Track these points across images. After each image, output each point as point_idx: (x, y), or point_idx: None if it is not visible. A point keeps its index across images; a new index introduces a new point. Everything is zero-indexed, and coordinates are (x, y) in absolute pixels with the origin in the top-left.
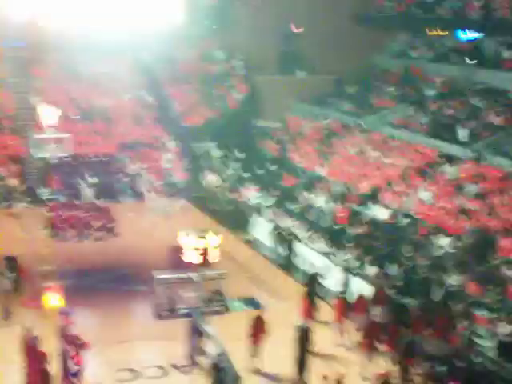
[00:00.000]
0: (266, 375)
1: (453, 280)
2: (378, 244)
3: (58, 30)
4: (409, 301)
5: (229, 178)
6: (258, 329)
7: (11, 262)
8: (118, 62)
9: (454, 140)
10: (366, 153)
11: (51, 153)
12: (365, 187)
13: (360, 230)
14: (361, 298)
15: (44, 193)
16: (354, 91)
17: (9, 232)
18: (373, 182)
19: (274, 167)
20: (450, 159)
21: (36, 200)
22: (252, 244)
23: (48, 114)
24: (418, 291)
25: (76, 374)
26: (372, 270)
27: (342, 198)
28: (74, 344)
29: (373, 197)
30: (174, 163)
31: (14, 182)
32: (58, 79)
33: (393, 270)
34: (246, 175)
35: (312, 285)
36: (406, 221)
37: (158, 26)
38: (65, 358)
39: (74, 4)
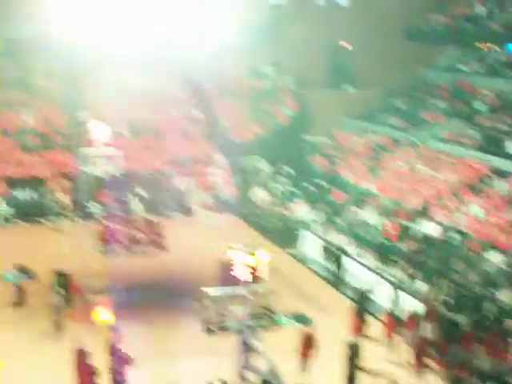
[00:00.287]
0: None
1: (505, 297)
2: (429, 260)
3: (110, 47)
4: (460, 318)
5: (278, 193)
6: (307, 345)
7: (62, 278)
8: (168, 77)
9: (506, 154)
10: (416, 168)
11: (101, 168)
12: (415, 202)
13: (410, 246)
14: (411, 314)
15: (94, 208)
16: (403, 106)
17: (59, 247)
18: (423, 197)
19: (323, 182)
20: (502, 174)
21: (86, 215)
22: (301, 259)
23: (99, 131)
24: (470, 308)
25: None
26: (423, 286)
27: (391, 213)
28: (122, 359)
29: (423, 212)
30: (223, 178)
31: (64, 197)
32: (108, 96)
33: (444, 286)
34: (295, 190)
35: (361, 301)
36: (457, 236)
37: (208, 42)
38: (114, 372)
39: (125, 21)
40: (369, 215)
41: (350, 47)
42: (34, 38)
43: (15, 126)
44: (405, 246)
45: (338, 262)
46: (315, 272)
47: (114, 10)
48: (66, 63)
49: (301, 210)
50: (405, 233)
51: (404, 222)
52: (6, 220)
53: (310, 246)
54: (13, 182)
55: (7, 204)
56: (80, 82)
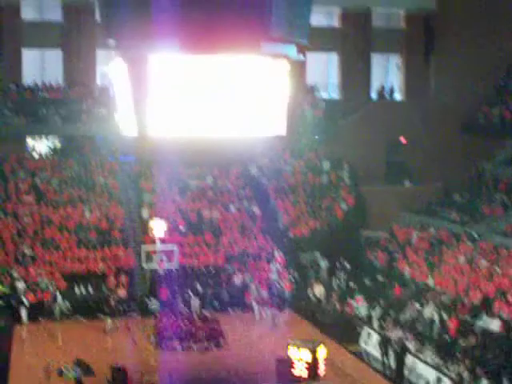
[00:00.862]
0: None
1: None
2: (492, 356)
3: (167, 143)
4: None
5: (336, 288)
6: None
7: (119, 373)
8: (224, 173)
9: None
10: (476, 262)
11: (159, 264)
12: (476, 297)
13: (472, 342)
14: None
15: (152, 303)
16: (462, 200)
17: (117, 342)
18: (484, 292)
19: (381, 277)
20: None
21: (144, 310)
22: (361, 356)
23: (156, 226)
24: None
25: None
26: (484, 383)
27: (452, 308)
28: None
29: (484, 307)
30: (281, 274)
31: (123, 292)
32: (166, 192)
33: (508, 382)
34: (353, 285)
35: None
36: None
37: (264, 138)
38: None
39: (182, 119)
40: (428, 310)
41: (406, 142)
42: (94, 136)
43: (75, 222)
44: (465, 342)
45: (398, 358)
46: (376, 369)
47: (172, 108)
48: (127, 161)
49: (360, 306)
50: (465, 328)
51: (464, 317)
52: (65, 315)
53: (370, 341)
54: (71, 278)
55: (66, 299)
56: (139, 179)
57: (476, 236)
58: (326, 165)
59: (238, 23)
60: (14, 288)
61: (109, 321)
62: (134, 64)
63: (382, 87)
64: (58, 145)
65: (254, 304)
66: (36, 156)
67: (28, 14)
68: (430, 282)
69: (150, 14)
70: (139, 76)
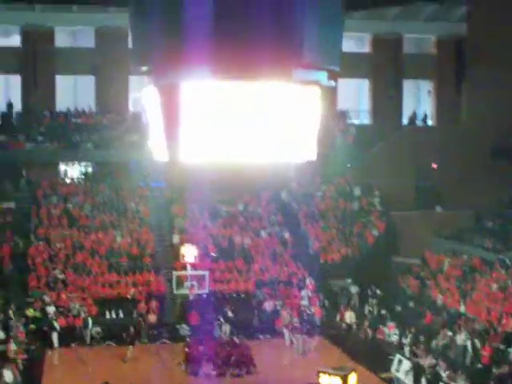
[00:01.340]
0: None
1: None
2: None
3: (198, 169)
4: None
5: (367, 314)
6: None
7: None
8: (255, 199)
9: None
10: (509, 289)
11: (190, 289)
12: (509, 325)
13: (505, 370)
14: None
15: (182, 329)
16: (494, 226)
17: (148, 368)
18: None
19: (413, 304)
20: None
21: (175, 336)
22: (392, 383)
23: (187, 252)
24: None
25: None
26: None
27: (484, 335)
28: None
29: None
30: (312, 300)
31: (153, 318)
32: (197, 217)
33: None
34: (384, 312)
35: None
36: None
37: (295, 164)
38: None
39: (213, 145)
40: (461, 338)
41: (436, 167)
42: (126, 162)
43: (106, 248)
44: (498, 370)
45: None
46: None
47: (204, 133)
48: (158, 186)
49: (391, 333)
50: (498, 356)
51: (497, 345)
52: (96, 340)
53: (401, 368)
54: (102, 303)
55: (96, 324)
56: (170, 204)
57: (509, 263)
58: (357, 190)
59: (270, 50)
60: (45, 313)
61: (130, 349)
62: (166, 90)
63: (414, 113)
64: (90, 170)
65: (284, 330)
66: (68, 181)
67: (61, 40)
68: (462, 309)
69: (182, 41)
70: (171, 102)
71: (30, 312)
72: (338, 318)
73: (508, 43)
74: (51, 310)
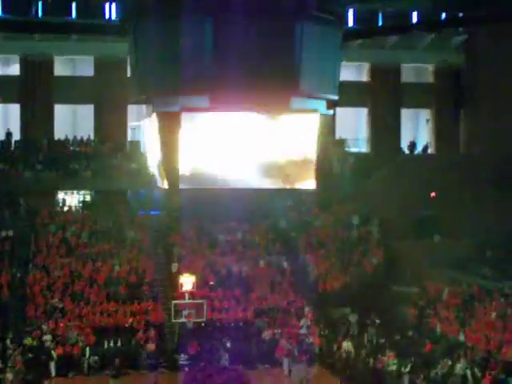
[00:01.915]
0: None
1: None
2: None
3: (197, 198)
4: None
5: (366, 344)
6: None
7: None
8: (254, 227)
9: None
10: (508, 318)
11: (188, 318)
12: (508, 354)
13: None
14: None
15: (181, 358)
16: (493, 255)
17: None
18: None
19: (412, 333)
20: None
21: (173, 365)
22: None
23: (186, 281)
24: None
25: None
26: None
27: (484, 364)
28: None
29: None
30: (311, 329)
31: (151, 346)
32: (195, 246)
33: None
34: (383, 341)
35: None
36: None
37: (293, 193)
38: None
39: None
40: (460, 366)
41: (435, 196)
42: (125, 190)
43: (105, 276)
44: None
45: None
46: None
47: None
48: (157, 215)
49: (391, 362)
50: None
51: (497, 374)
52: (93, 369)
53: None
54: (101, 332)
55: (94, 353)
56: (169, 233)
57: (508, 292)
58: (355, 219)
59: (268, 79)
60: (42, 342)
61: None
62: (164, 120)
63: (413, 143)
64: (89, 199)
65: (283, 359)
66: (67, 210)
67: (60, 69)
68: (462, 338)
69: (181, 70)
70: (170, 131)
71: (27, 341)
72: (337, 346)
73: (505, 72)
74: (49, 338)
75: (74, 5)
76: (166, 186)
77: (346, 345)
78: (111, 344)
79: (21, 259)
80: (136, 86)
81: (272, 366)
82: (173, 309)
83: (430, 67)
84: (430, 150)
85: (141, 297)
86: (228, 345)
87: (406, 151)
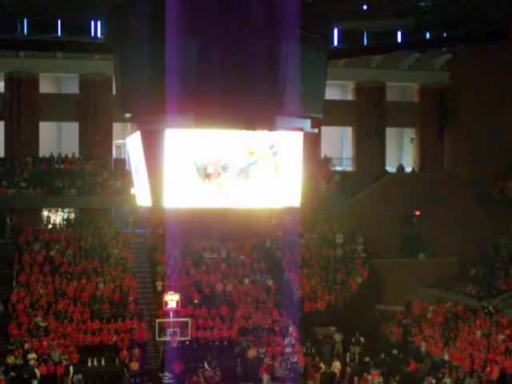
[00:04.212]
0: None
1: None
2: None
3: (181, 216)
4: None
5: (351, 362)
6: None
7: None
8: (238, 246)
9: None
10: (492, 337)
11: (172, 337)
12: (493, 373)
13: None
14: None
15: (165, 376)
16: (478, 274)
17: None
18: (501, 367)
19: (397, 352)
20: None
21: None
22: None
23: (170, 299)
24: None
25: None
26: None
27: (468, 383)
28: None
29: (502, 382)
30: (295, 348)
31: (135, 365)
32: (180, 264)
33: None
34: (368, 359)
35: None
36: None
37: (278, 211)
38: None
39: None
40: None
41: (419, 214)
42: (109, 208)
43: (89, 294)
44: None
45: None
46: None
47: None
48: (141, 233)
49: (375, 380)
50: None
51: None
52: None
53: None
54: (84, 350)
55: (78, 371)
56: (154, 251)
57: (492, 310)
58: (339, 238)
59: (253, 98)
60: (26, 360)
61: None
62: (149, 137)
63: (402, 166)
64: (73, 216)
65: (266, 378)
66: (51, 227)
67: (46, 87)
68: (446, 356)
69: (166, 88)
70: (155, 149)
71: (10, 359)
72: (321, 365)
73: (489, 91)
74: (32, 357)
75: (59, 22)
76: (150, 203)
77: (331, 364)
78: (95, 363)
79: (4, 277)
80: (121, 104)
81: None
82: (157, 327)
83: (415, 86)
84: (410, 168)
85: (125, 315)
86: (212, 363)
87: (391, 170)
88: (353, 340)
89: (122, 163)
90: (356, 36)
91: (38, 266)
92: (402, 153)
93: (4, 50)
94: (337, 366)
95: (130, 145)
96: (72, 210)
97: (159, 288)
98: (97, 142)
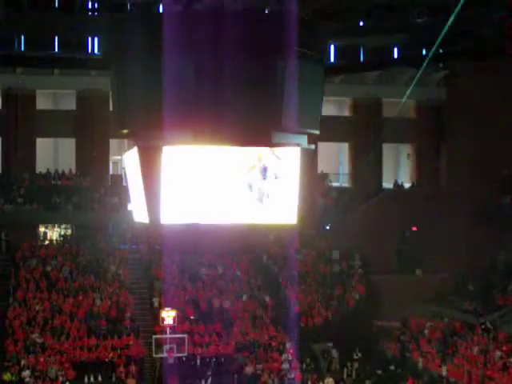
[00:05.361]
0: None
1: None
2: None
3: (178, 232)
4: None
5: (348, 379)
6: None
7: None
8: (235, 262)
9: None
10: (490, 353)
11: (169, 353)
12: None
13: None
14: None
15: None
16: (475, 289)
17: None
18: (498, 382)
19: (394, 368)
20: None
21: None
22: None
23: (167, 315)
24: None
25: None
26: None
27: None
28: None
29: None
30: (292, 364)
31: (132, 382)
32: (177, 280)
33: None
34: (365, 376)
35: None
36: None
37: (275, 227)
38: None
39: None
40: None
41: (416, 230)
42: (106, 224)
43: (86, 311)
44: None
45: None
46: None
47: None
48: (138, 249)
49: None
50: None
51: None
52: None
53: None
54: (81, 366)
55: None
56: (151, 267)
57: (490, 326)
58: (336, 254)
59: (249, 115)
60: (22, 377)
61: None
62: (146, 153)
63: (396, 181)
64: (70, 233)
65: None
66: (47, 243)
67: (42, 103)
68: (444, 372)
69: (164, 105)
70: (152, 165)
71: (6, 376)
72: (319, 382)
73: (486, 107)
74: (28, 374)
75: (56, 39)
76: (147, 220)
77: (327, 380)
78: (91, 379)
79: (1, 293)
80: (118, 120)
81: None
82: (154, 343)
83: (412, 102)
84: (407, 184)
85: (122, 331)
86: (209, 380)
87: (388, 186)
88: (350, 356)
89: (118, 179)
90: (352, 52)
91: (34, 283)
92: (398, 169)
93: (1, 67)
94: (329, 382)
95: (127, 161)
96: (69, 226)
97: (156, 304)
98: (94, 158)
